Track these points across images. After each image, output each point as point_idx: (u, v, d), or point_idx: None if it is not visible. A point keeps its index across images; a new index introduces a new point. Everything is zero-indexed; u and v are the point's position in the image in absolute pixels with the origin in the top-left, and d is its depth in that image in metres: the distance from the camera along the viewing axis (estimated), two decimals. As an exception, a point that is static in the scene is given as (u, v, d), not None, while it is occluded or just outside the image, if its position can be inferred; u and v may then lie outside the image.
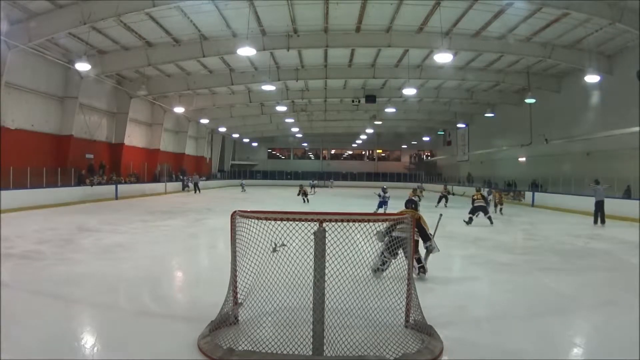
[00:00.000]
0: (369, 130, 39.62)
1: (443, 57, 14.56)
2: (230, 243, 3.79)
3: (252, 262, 3.65)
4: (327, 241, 3.24)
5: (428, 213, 8.05)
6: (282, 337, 3.37)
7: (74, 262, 6.49)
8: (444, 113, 31.64)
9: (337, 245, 3.35)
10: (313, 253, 3.25)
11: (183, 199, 21.80)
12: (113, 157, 22.45)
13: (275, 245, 3.57)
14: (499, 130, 27.66)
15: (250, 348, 3.33)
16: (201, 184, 29.49)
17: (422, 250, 5.82)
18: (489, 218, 12.05)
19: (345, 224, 3.45)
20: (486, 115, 27.08)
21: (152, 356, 3.25)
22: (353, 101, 25.76)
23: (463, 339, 3.71)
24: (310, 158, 52.83)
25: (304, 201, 20.27)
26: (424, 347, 3.33)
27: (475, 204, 12.16)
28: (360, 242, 3.63)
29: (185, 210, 15.43)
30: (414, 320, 3.77)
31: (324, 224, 3.27)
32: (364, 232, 3.62)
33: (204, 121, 30.42)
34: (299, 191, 21.16)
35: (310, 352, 3.20)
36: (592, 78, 14.94)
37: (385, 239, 4.58)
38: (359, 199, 22.65)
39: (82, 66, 14.26)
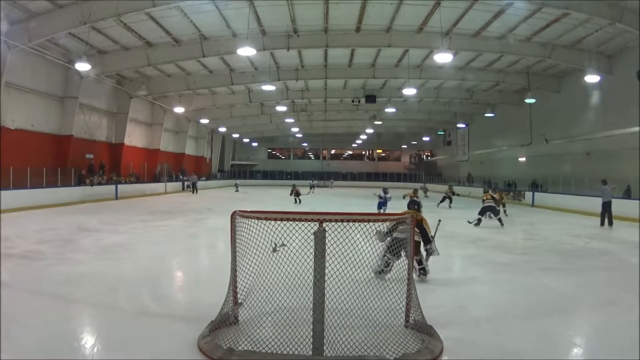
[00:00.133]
0: (369, 130, 39.58)
1: (443, 57, 14.55)
2: (230, 243, 3.79)
3: (252, 262, 3.65)
4: (327, 241, 3.24)
5: (430, 213, 8.05)
6: (282, 337, 3.37)
7: (74, 262, 6.49)
8: (444, 113, 31.63)
9: (337, 245, 3.35)
10: (313, 253, 3.25)
11: (183, 199, 21.79)
12: (113, 157, 22.46)
13: (275, 245, 3.57)
14: (499, 130, 27.65)
15: (250, 348, 3.33)
16: (201, 184, 29.45)
17: (423, 252, 5.81)
18: (500, 220, 11.65)
19: (345, 224, 3.45)
20: (486, 115, 27.06)
21: (152, 356, 3.25)
22: (353, 101, 25.74)
23: (463, 339, 3.71)
24: (310, 158, 52.76)
25: (296, 201, 19.76)
26: (424, 347, 3.33)
27: (485, 204, 11.86)
28: (360, 242, 3.63)
29: (185, 210, 15.43)
30: (414, 320, 3.77)
31: (324, 224, 3.27)
32: (364, 232, 3.62)
33: (204, 121, 30.43)
34: (292, 191, 20.76)
35: (310, 352, 3.20)
36: (592, 78, 14.92)
37: (387, 239, 4.57)
38: (359, 199, 22.62)
39: (82, 66, 14.26)
